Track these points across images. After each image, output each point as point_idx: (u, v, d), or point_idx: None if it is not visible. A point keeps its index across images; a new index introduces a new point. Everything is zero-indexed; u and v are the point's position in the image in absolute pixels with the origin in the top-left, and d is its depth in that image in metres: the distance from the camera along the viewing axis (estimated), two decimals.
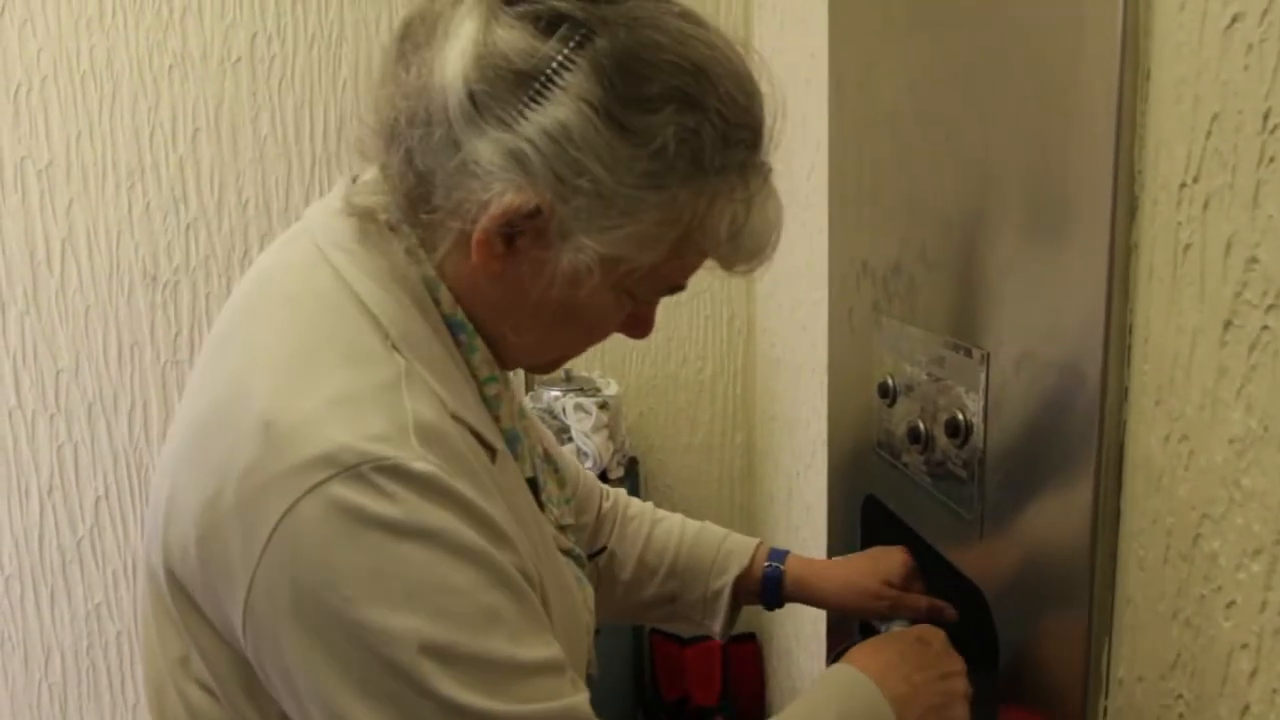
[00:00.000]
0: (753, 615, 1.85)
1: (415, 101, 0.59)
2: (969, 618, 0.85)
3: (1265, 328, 0.47)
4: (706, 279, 1.80)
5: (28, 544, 1.73)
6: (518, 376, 1.69)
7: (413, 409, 0.57)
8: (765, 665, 1.84)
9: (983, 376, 0.75)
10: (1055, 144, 0.64)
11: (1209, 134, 0.51)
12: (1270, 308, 0.47)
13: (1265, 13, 0.46)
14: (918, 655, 0.75)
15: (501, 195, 0.56)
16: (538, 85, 0.56)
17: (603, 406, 1.63)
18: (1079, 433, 0.62)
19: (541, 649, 0.58)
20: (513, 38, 0.56)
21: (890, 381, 0.93)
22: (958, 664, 0.76)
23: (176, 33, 1.62)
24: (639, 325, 0.71)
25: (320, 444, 0.54)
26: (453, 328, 0.65)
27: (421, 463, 0.55)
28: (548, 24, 0.57)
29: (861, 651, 0.75)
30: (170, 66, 1.63)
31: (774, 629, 1.73)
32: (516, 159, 0.56)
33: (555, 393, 1.70)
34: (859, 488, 1.07)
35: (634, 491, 1.67)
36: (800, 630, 1.53)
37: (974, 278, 0.76)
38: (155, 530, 0.62)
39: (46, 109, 1.62)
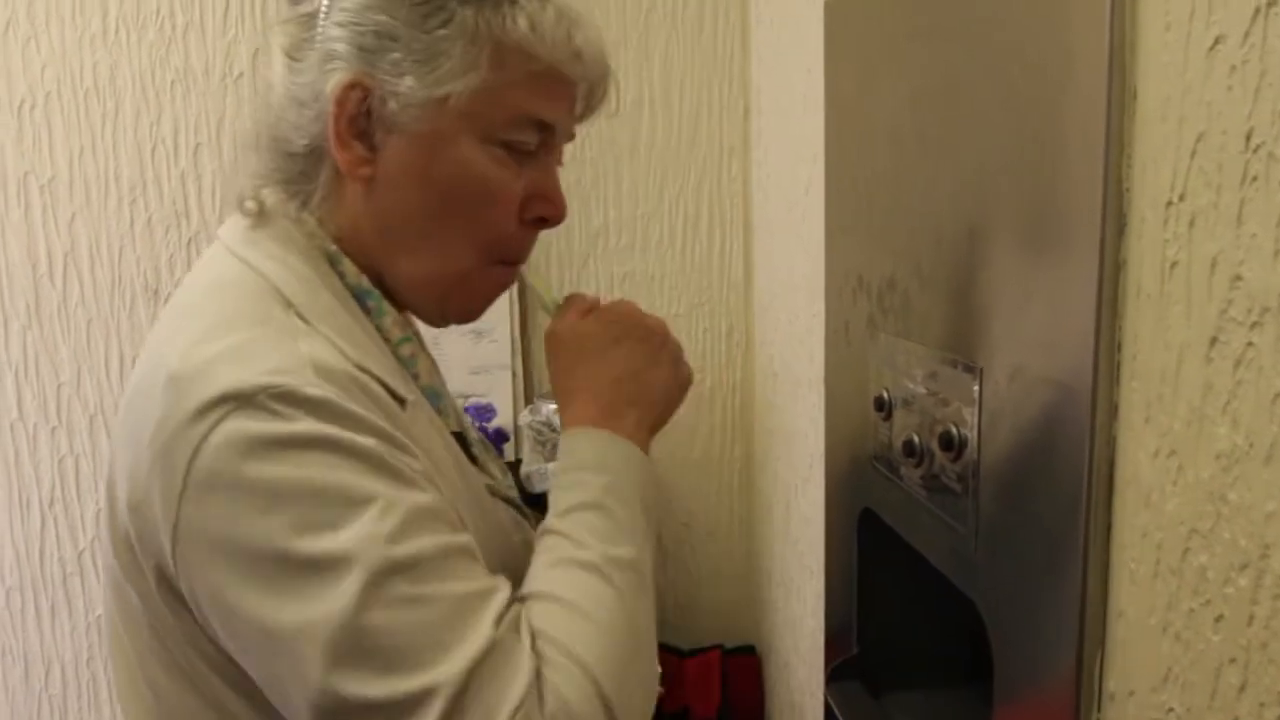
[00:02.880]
0: (752, 627, 1.85)
1: (261, 99, 0.70)
2: (963, 631, 0.85)
3: (1250, 344, 0.48)
4: (705, 291, 1.81)
5: (29, 556, 1.74)
6: (518, 391, 1.70)
7: (309, 352, 0.59)
8: (764, 677, 1.84)
9: (976, 391, 0.75)
10: (1047, 161, 0.65)
11: (1194, 153, 0.51)
12: (1255, 325, 0.48)
13: (1247, 35, 0.47)
14: (596, 359, 0.75)
15: (331, 91, 0.65)
16: (324, 8, 0.67)
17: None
18: (1070, 448, 0.63)
19: (447, 536, 0.59)
20: (303, 6, 0.68)
21: (886, 395, 0.94)
22: (620, 320, 0.77)
23: (179, 49, 1.64)
24: (544, 200, 0.73)
25: (218, 383, 0.56)
26: (360, 296, 0.69)
27: (315, 388, 0.57)
28: None
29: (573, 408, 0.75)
30: (172, 82, 1.65)
31: (773, 641, 1.73)
32: (329, 58, 0.66)
33: (554, 405, 1.71)
34: (856, 501, 1.07)
35: None
36: (799, 643, 1.53)
37: (968, 293, 0.77)
38: (105, 525, 0.65)
39: (50, 124, 1.63)
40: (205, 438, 0.55)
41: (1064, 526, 0.64)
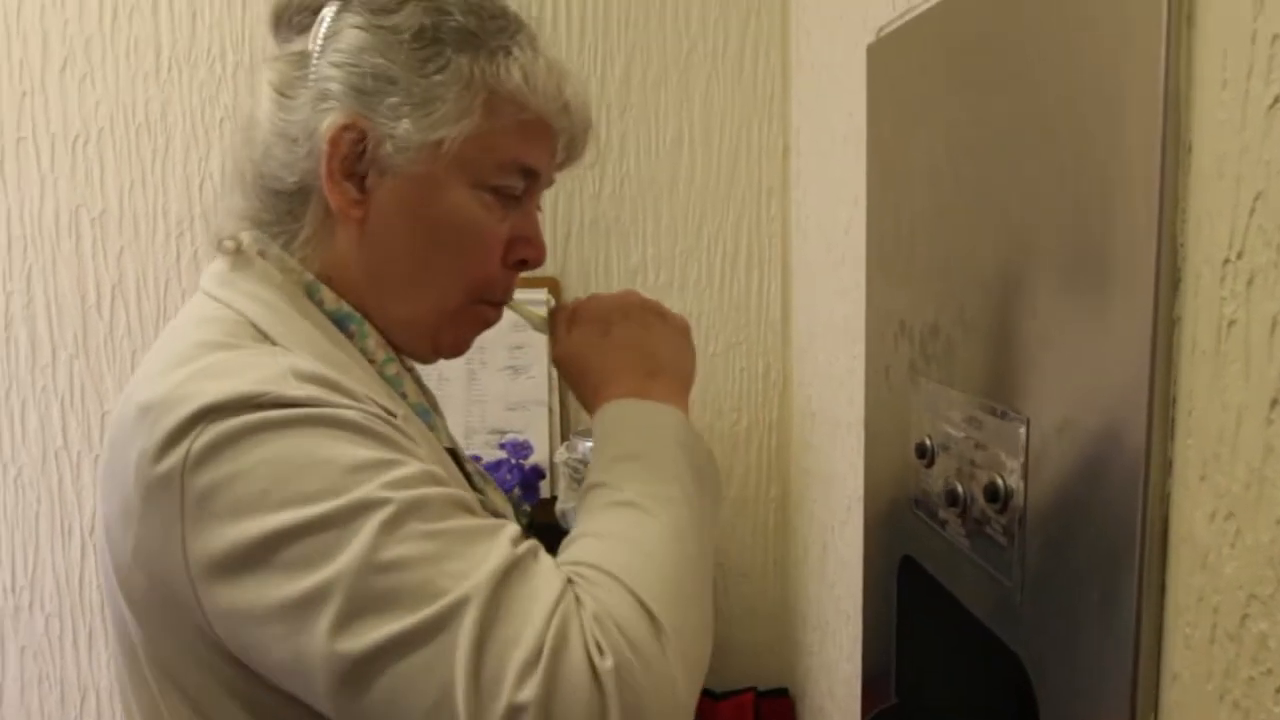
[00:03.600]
0: (786, 670, 1.83)
1: (243, 135, 0.70)
2: (1007, 685, 0.83)
3: None
4: (742, 330, 1.81)
5: (69, 583, 1.76)
6: (554, 428, 1.70)
7: (289, 363, 0.59)
8: None
9: (1023, 441, 0.74)
10: (1096, 212, 0.64)
11: (1252, 211, 0.51)
12: None
13: None
14: (600, 339, 0.77)
15: (325, 131, 0.65)
16: (318, 47, 0.67)
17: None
18: (1122, 504, 0.61)
19: (451, 490, 0.58)
20: (295, 45, 0.69)
21: (928, 442, 0.93)
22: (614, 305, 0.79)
23: (229, 87, 1.67)
24: (526, 244, 0.74)
25: (196, 400, 0.55)
26: (341, 322, 0.69)
27: (299, 390, 0.56)
28: (313, 12, 0.69)
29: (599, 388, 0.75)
30: (221, 119, 1.68)
31: (807, 685, 1.71)
32: (323, 97, 0.66)
33: (590, 443, 1.71)
34: (896, 547, 1.06)
35: None
36: (834, 689, 1.51)
37: (1013, 342, 0.76)
38: (109, 586, 0.63)
39: (102, 159, 1.67)
40: (189, 453, 0.54)
41: (1115, 584, 0.62)
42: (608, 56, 1.73)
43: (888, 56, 1.08)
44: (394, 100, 0.66)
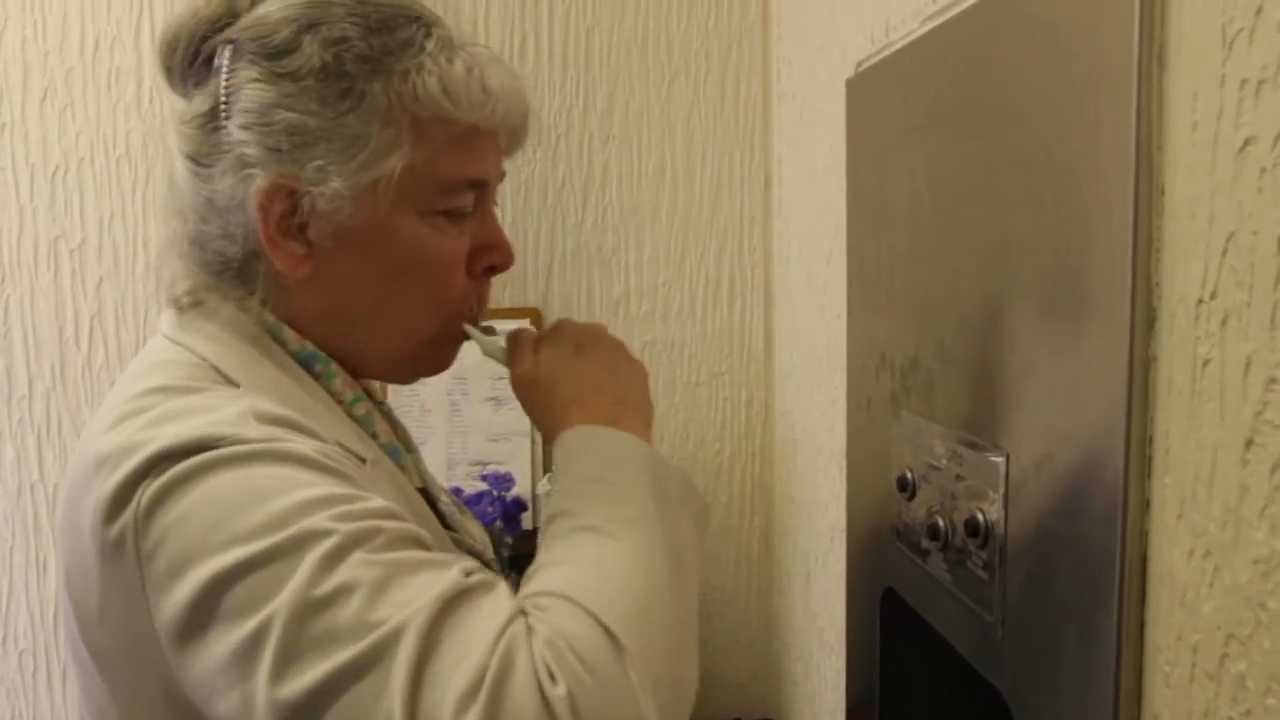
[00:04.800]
0: (771, 701, 1.82)
1: (169, 201, 0.67)
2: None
3: None
4: (725, 359, 1.80)
5: (43, 619, 1.73)
6: (537, 458, 1.69)
7: (249, 404, 0.57)
8: None
9: (1003, 477, 0.74)
10: (1073, 250, 0.64)
11: (1225, 252, 0.51)
12: None
13: (1278, 138, 0.47)
14: (573, 369, 0.73)
15: (253, 199, 0.62)
16: (223, 106, 0.64)
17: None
18: (1101, 542, 0.61)
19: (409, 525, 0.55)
20: (197, 104, 0.65)
21: (909, 475, 0.93)
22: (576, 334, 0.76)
23: None
24: (489, 250, 0.71)
25: (151, 446, 0.53)
26: (305, 362, 0.67)
27: (256, 431, 0.54)
28: (204, 61, 0.66)
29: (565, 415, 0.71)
30: None
31: (791, 716, 1.69)
32: (242, 164, 0.63)
33: None
34: (878, 579, 1.05)
35: None
36: (819, 717, 1.50)
37: (993, 377, 0.76)
38: (73, 643, 0.61)
39: (82, 190, 1.66)
40: (138, 509, 0.52)
41: (1095, 621, 0.62)
42: (590, 87, 1.74)
43: (866, 91, 1.09)
44: (316, 153, 0.63)
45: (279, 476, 0.53)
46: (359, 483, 0.56)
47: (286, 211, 0.64)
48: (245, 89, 0.63)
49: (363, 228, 0.65)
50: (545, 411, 0.73)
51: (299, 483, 0.53)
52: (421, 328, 0.70)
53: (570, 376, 0.72)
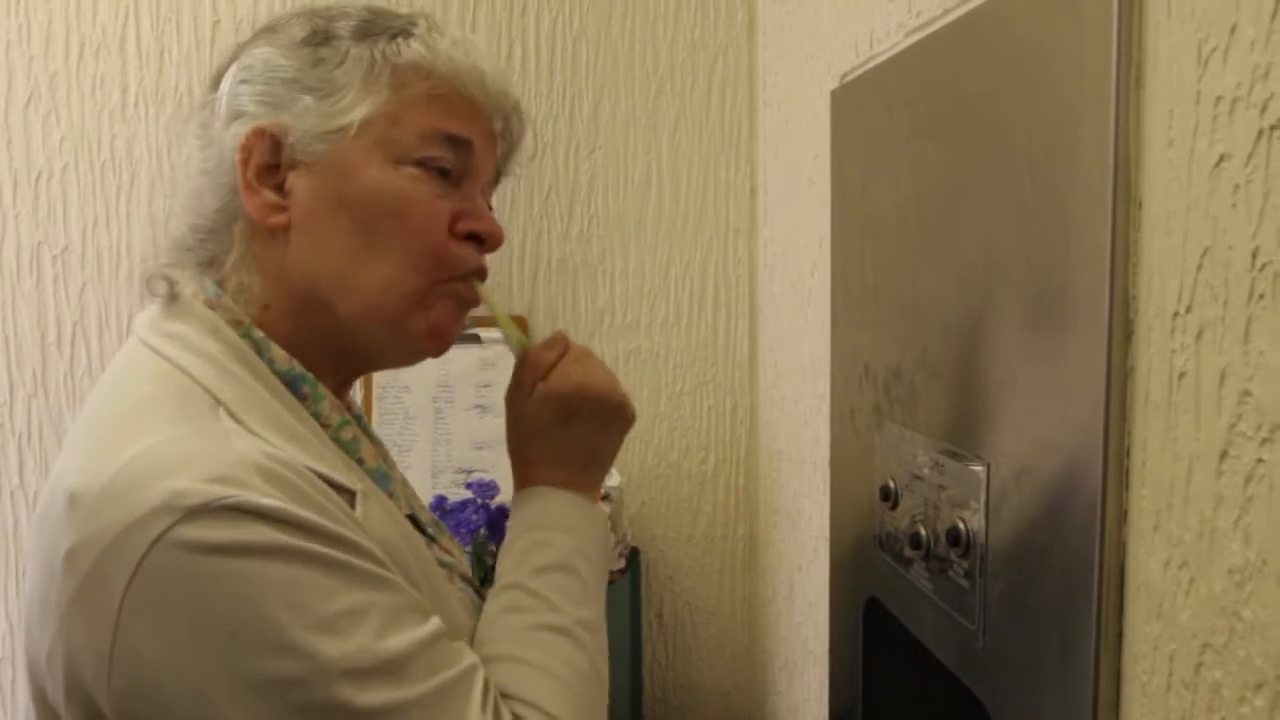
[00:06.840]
0: (754, 709, 1.82)
1: (169, 188, 0.72)
2: None
3: (1260, 460, 0.48)
4: (710, 369, 1.81)
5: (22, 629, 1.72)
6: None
7: (248, 453, 0.56)
8: None
9: (983, 487, 0.75)
10: (1053, 263, 0.65)
11: (1200, 267, 0.52)
12: (1265, 441, 0.48)
13: (1250, 155, 0.48)
14: (543, 428, 0.78)
15: (235, 140, 0.66)
16: (231, 74, 0.69)
17: (605, 498, 1.62)
18: (1080, 552, 0.62)
19: (422, 628, 0.59)
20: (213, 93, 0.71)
21: (892, 485, 0.93)
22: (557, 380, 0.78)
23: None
24: (473, 218, 0.71)
25: (152, 494, 0.51)
26: (293, 383, 0.66)
27: (269, 499, 0.54)
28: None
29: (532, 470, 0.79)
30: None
31: None
32: (234, 115, 0.67)
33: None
34: (861, 589, 1.06)
35: (635, 581, 1.65)
36: None
37: (974, 388, 0.77)
38: (25, 653, 0.60)
39: (65, 196, 1.65)
40: (146, 556, 0.51)
41: (1074, 631, 0.63)
42: (576, 96, 1.74)
43: (851, 102, 1.10)
44: (300, 97, 0.66)
45: (305, 582, 0.54)
46: (372, 573, 0.58)
47: (265, 161, 0.66)
48: (244, 58, 0.69)
49: (335, 167, 0.66)
50: (520, 454, 0.80)
51: (322, 591, 0.54)
52: (401, 278, 0.68)
53: (550, 444, 0.78)
